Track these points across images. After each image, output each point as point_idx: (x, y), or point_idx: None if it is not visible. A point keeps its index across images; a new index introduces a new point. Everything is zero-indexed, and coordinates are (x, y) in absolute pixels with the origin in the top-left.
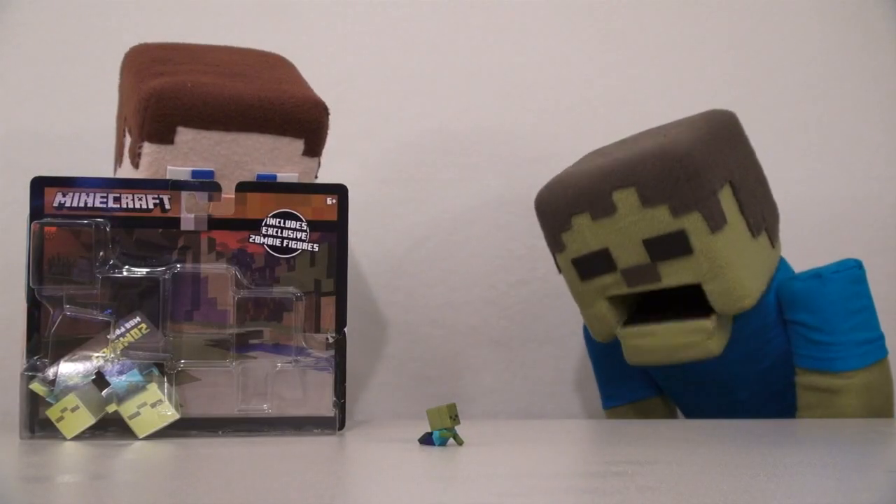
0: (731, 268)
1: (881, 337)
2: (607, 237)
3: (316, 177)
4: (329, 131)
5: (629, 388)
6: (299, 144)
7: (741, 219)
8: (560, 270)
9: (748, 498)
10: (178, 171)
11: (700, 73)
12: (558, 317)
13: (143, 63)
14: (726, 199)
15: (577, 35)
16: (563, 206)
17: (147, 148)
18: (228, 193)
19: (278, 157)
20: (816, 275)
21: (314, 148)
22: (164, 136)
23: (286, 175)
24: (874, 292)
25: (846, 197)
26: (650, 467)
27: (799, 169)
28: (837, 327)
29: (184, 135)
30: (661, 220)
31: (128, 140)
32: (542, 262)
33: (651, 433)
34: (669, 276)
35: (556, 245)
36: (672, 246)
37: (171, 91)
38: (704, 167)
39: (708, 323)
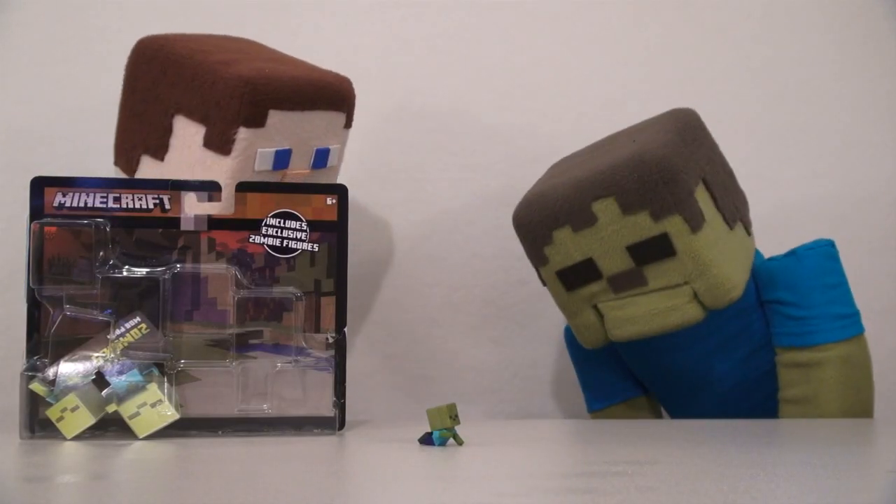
0: (715, 264)
1: (857, 313)
2: (590, 247)
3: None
4: None
5: (614, 389)
6: (342, 118)
7: (717, 213)
8: (544, 283)
9: (748, 498)
10: (266, 152)
11: (700, 72)
12: (558, 317)
13: (191, 52)
14: (702, 197)
15: (578, 35)
16: (543, 220)
17: (243, 133)
18: (299, 169)
19: (330, 131)
20: (791, 253)
21: (350, 120)
22: (259, 120)
23: (335, 148)
24: (873, 292)
25: (846, 197)
26: (650, 467)
27: (798, 169)
28: (813, 301)
29: (273, 117)
30: (642, 226)
31: (189, 126)
32: None
33: (651, 433)
34: (655, 278)
35: (538, 259)
36: (655, 249)
37: (262, 77)
38: (679, 169)
39: (688, 287)
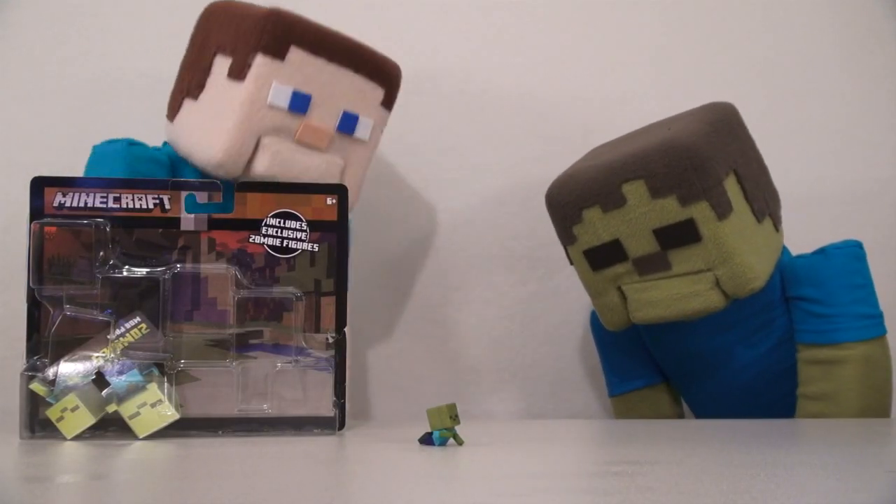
0: (739, 253)
1: (881, 315)
2: (618, 228)
3: (382, 132)
4: None
5: (636, 374)
6: (380, 93)
7: (746, 205)
8: (571, 262)
9: (748, 498)
10: (282, 88)
11: (700, 71)
12: (558, 317)
13: (247, 4)
14: (731, 187)
15: (580, 36)
16: (574, 200)
17: (259, 59)
18: (321, 123)
19: (362, 100)
20: (820, 251)
21: (390, 100)
22: (278, 51)
23: (366, 119)
24: (876, 292)
25: (847, 197)
26: (650, 467)
27: (799, 168)
28: (839, 300)
29: (295, 54)
30: (669, 210)
31: (223, 62)
32: (542, 262)
33: (651, 433)
34: (679, 263)
35: (567, 238)
36: (681, 234)
37: (289, 14)
38: (710, 157)
39: (710, 274)
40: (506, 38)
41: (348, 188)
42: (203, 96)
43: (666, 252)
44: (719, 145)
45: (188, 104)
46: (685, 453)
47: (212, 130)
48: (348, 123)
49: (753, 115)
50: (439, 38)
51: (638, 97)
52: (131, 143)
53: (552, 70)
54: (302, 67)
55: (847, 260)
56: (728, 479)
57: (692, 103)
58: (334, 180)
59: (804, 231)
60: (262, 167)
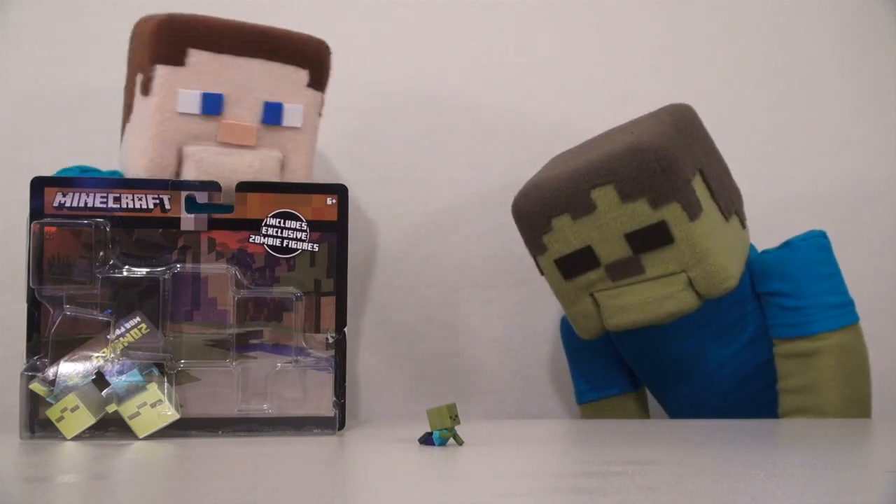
0: (712, 252)
1: (852, 302)
2: (589, 235)
3: (320, 114)
4: (330, 75)
5: (604, 383)
6: (304, 75)
7: (713, 204)
8: (542, 272)
9: (748, 498)
10: (190, 93)
11: (700, 71)
12: (558, 317)
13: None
14: (699, 187)
15: (579, 34)
16: (541, 209)
17: (160, 70)
18: (241, 120)
19: (284, 86)
20: (785, 245)
21: (318, 80)
22: (175, 57)
23: (292, 106)
24: (873, 293)
25: (847, 196)
26: (650, 467)
27: (798, 169)
28: (809, 291)
29: (195, 56)
30: (641, 213)
31: (140, 81)
32: None
33: (651, 433)
34: (653, 266)
35: (537, 248)
36: (653, 237)
37: (181, 17)
38: (677, 158)
39: (683, 275)
40: (506, 37)
41: (298, 177)
42: (133, 118)
43: (639, 256)
44: (684, 146)
45: (126, 128)
46: (685, 453)
47: (135, 149)
48: (273, 114)
49: (753, 114)
50: (439, 37)
51: (637, 97)
52: (84, 170)
53: (552, 69)
54: (206, 68)
55: (812, 250)
56: (728, 479)
57: (692, 103)
58: (274, 174)
59: (802, 231)
60: (191, 177)
